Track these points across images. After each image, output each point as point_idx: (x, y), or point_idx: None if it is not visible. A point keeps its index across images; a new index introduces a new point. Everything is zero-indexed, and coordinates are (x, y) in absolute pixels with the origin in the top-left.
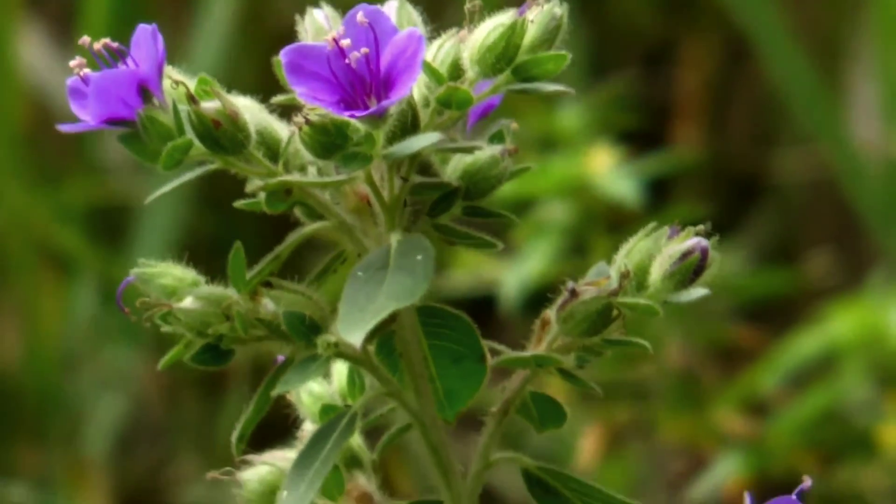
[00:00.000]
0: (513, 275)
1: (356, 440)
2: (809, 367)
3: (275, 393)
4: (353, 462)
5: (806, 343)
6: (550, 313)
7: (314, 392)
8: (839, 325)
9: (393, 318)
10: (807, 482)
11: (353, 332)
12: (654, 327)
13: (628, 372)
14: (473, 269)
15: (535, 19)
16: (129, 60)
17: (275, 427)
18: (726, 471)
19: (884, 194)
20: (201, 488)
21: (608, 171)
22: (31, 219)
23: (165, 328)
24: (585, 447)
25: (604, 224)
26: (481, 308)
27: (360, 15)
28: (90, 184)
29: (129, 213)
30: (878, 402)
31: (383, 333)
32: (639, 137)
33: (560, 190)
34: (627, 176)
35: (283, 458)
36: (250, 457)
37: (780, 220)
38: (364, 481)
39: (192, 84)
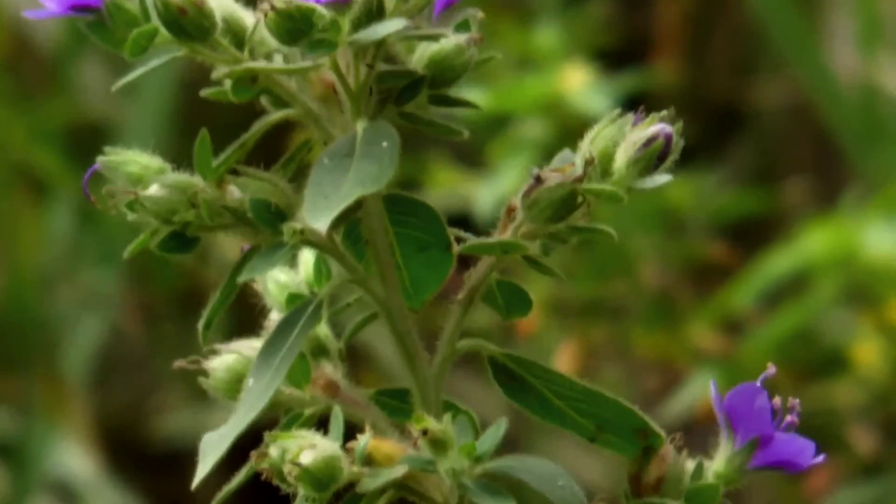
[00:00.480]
0: (487, 191)
1: (323, 329)
2: (783, 286)
3: (241, 280)
4: (319, 351)
5: (780, 262)
6: (516, 200)
7: (281, 281)
8: (813, 243)
9: (359, 204)
10: (771, 369)
11: (318, 218)
12: (631, 246)
13: (604, 290)
14: (449, 188)
15: None
16: None
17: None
18: (700, 387)
19: (860, 120)
20: (184, 416)
21: (583, 88)
22: (7, 141)
23: (131, 216)
24: (560, 365)
25: (578, 141)
26: (457, 226)
27: None
28: (67, 106)
29: (107, 135)
30: (852, 320)
31: (349, 221)
32: (617, 63)
33: (535, 107)
34: (602, 93)
35: (249, 347)
36: (217, 346)
37: (758, 147)
38: (330, 370)
39: None
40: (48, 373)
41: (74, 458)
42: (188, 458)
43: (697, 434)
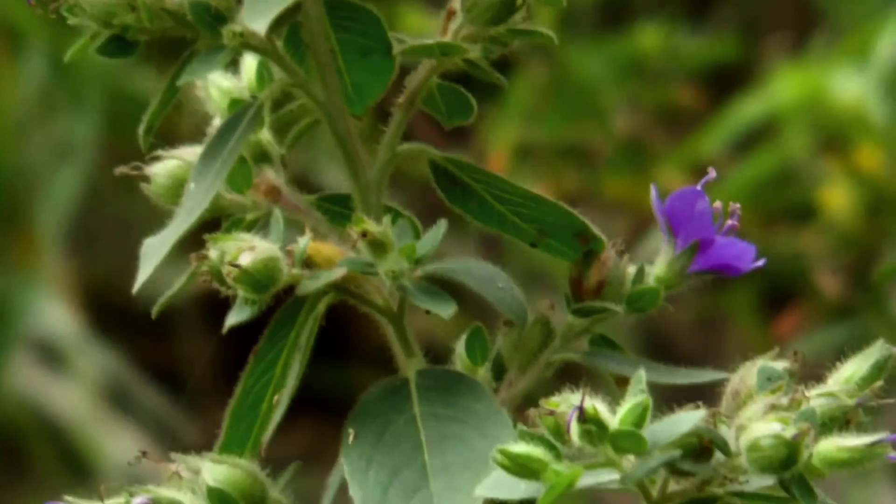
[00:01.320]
0: None
1: (265, 135)
2: (754, 133)
3: (180, 82)
4: (261, 157)
5: (749, 107)
6: (455, 4)
7: (223, 87)
8: (782, 89)
9: (298, 6)
10: (711, 173)
11: (257, 19)
12: (602, 92)
13: (574, 134)
14: (419, 32)
15: None
16: None
17: None
18: None
19: None
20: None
21: None
22: None
23: (72, 20)
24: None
25: None
26: None
27: None
28: None
29: None
30: (821, 166)
31: (291, 25)
32: None
33: None
34: None
35: (191, 153)
36: (159, 152)
37: (741, 7)
38: (273, 176)
39: None
40: (24, 226)
41: (56, 317)
42: (172, 319)
43: None
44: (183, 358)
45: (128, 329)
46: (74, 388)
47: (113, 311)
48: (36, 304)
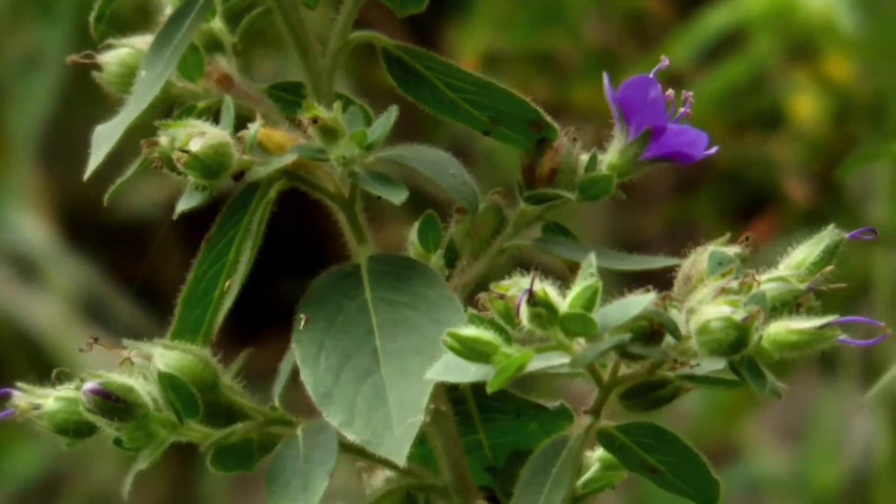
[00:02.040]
0: None
1: (217, 24)
2: (723, 41)
3: None
4: (213, 45)
5: (719, 15)
6: None
7: None
8: None
9: None
10: (664, 62)
11: None
12: (571, 1)
13: (543, 43)
14: None
15: None
16: None
17: None
18: None
19: None
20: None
21: None
22: None
23: None
24: None
25: None
26: None
27: None
28: None
29: None
30: (789, 74)
31: None
32: None
33: None
34: None
35: (143, 41)
36: (111, 40)
37: None
38: (225, 64)
39: None
40: None
41: (30, 229)
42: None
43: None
44: (159, 271)
45: (103, 241)
46: (49, 301)
47: (87, 224)
48: (9, 216)
